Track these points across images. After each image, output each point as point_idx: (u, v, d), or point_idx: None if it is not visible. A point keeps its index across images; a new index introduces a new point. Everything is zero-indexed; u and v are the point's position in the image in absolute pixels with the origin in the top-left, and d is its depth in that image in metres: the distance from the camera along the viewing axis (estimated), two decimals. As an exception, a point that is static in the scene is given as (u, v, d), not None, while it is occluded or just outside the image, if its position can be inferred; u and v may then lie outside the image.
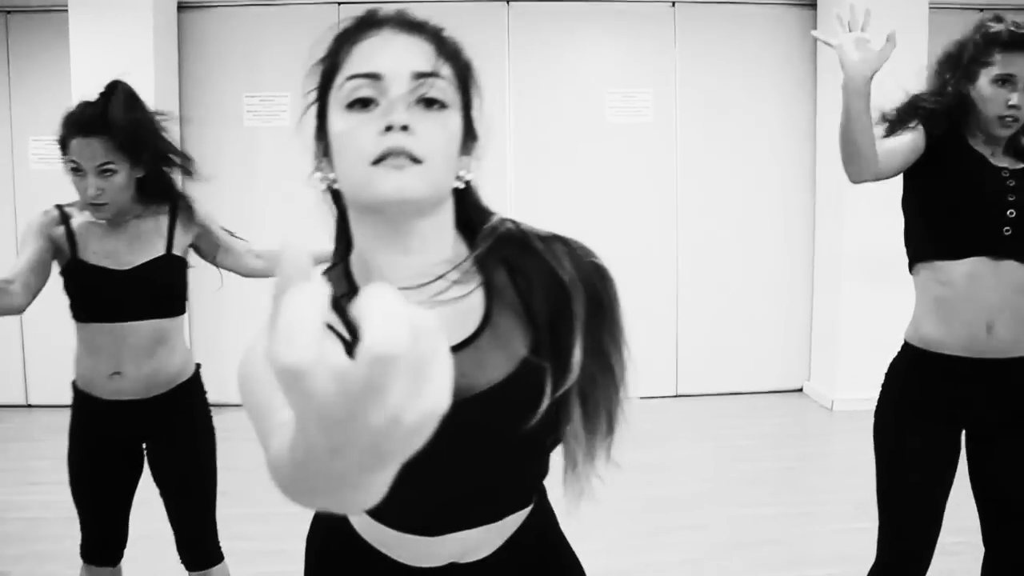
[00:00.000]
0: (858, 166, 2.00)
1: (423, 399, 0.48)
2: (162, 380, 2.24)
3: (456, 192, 1.05)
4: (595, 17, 5.87)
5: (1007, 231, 1.98)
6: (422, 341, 0.47)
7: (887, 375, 2.19)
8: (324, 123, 1.02)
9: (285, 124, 5.74)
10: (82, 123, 2.06)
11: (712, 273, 5.93)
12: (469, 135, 1.05)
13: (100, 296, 2.14)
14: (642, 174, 5.91)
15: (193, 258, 2.38)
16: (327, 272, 1.08)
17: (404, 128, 0.94)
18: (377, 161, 0.94)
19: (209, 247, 2.34)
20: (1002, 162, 2.05)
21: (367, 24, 1.01)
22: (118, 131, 2.05)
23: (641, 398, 5.92)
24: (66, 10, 5.17)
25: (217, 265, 2.41)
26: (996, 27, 2.02)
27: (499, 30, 5.79)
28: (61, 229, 2.14)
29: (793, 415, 5.64)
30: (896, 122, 2.14)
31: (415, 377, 0.48)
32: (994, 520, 2.12)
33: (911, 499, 2.09)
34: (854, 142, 1.96)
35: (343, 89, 0.98)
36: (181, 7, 5.67)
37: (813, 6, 5.86)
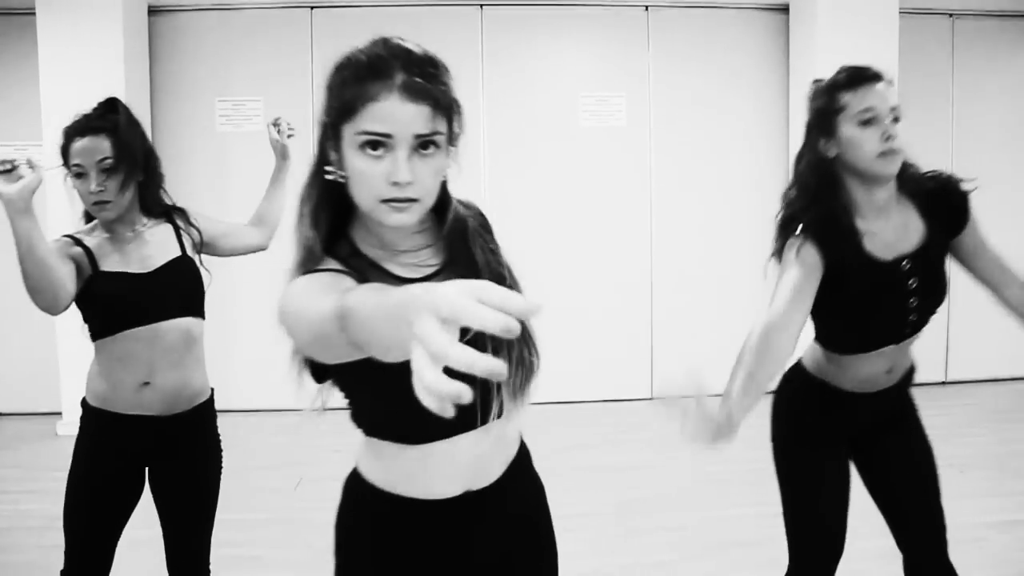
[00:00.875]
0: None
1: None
2: (186, 396, 2.26)
3: None
4: (568, 21, 5.88)
5: (912, 318, 1.98)
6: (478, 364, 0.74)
7: (778, 391, 2.24)
8: (338, 137, 1.27)
9: (257, 129, 5.70)
10: (81, 126, 2.14)
11: (687, 276, 5.95)
12: (451, 143, 1.31)
13: (131, 299, 2.16)
14: (616, 177, 5.92)
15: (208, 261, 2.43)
16: (332, 241, 1.35)
17: (408, 183, 1.23)
18: (385, 200, 1.24)
19: (213, 240, 2.40)
20: (898, 242, 1.95)
21: (381, 73, 1.23)
22: (118, 126, 2.14)
23: (616, 400, 5.94)
24: (34, 13, 5.12)
25: (225, 254, 2.47)
26: (830, 78, 1.94)
27: (472, 34, 5.79)
28: (78, 249, 2.17)
29: (767, 417, 5.67)
30: (781, 244, 2.02)
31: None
32: (899, 521, 2.17)
33: (816, 520, 2.15)
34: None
35: (359, 136, 1.23)
36: (152, 11, 5.62)
37: (785, 10, 5.91)
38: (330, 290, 1.14)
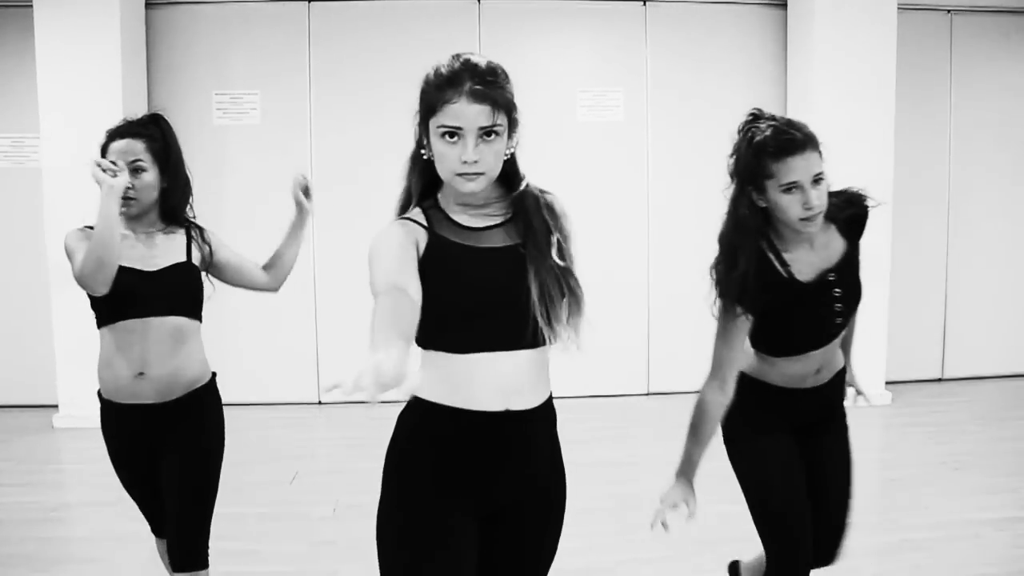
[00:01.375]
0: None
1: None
2: (181, 383, 2.42)
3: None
4: (566, 15, 5.87)
5: (838, 320, 2.21)
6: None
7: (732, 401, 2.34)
8: (427, 128, 1.71)
9: (255, 123, 5.69)
10: (122, 129, 2.43)
11: (683, 271, 5.94)
12: (512, 130, 1.75)
13: (132, 292, 2.35)
14: (613, 173, 5.92)
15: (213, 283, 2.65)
16: (426, 199, 1.82)
17: (474, 161, 1.66)
18: (459, 174, 1.68)
19: (220, 265, 2.59)
20: (821, 261, 2.20)
21: (454, 83, 1.66)
22: (153, 134, 2.46)
23: (612, 396, 5.94)
24: (31, 5, 5.10)
25: (231, 283, 2.65)
26: (759, 135, 2.12)
27: (470, 28, 5.78)
28: None
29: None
30: (724, 295, 2.21)
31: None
32: (815, 512, 2.33)
33: (766, 503, 2.35)
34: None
35: (440, 128, 1.67)
36: (149, 3, 5.60)
37: (783, 6, 5.91)
38: (397, 260, 1.64)
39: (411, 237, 1.72)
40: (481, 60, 1.71)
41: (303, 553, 3.46)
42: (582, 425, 5.32)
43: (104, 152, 2.41)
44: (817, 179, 2.08)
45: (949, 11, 6.06)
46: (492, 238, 1.78)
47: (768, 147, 2.09)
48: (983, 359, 6.41)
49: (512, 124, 1.76)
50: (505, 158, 1.77)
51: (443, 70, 1.71)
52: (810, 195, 2.06)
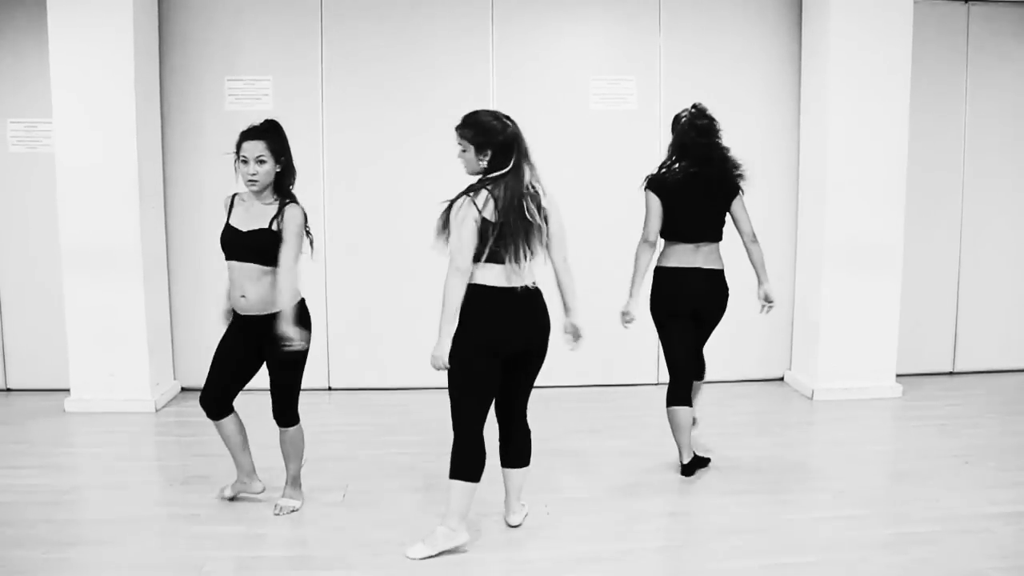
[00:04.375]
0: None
1: None
2: (270, 303, 3.48)
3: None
4: (579, 4, 5.84)
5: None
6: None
7: (652, 283, 4.20)
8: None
9: (267, 109, 5.68)
10: (250, 133, 3.46)
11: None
12: (478, 150, 3.28)
13: (229, 243, 3.51)
14: (626, 162, 5.89)
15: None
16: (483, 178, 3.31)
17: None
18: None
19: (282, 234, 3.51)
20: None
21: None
22: (272, 137, 3.47)
23: (623, 385, 5.94)
24: (45, -9, 5.11)
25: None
26: (685, 113, 4.13)
27: (483, 18, 5.75)
28: (229, 202, 3.57)
29: (774, 404, 5.66)
30: (648, 191, 4.13)
31: None
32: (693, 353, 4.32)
33: (669, 351, 4.20)
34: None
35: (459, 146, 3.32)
36: (162, -11, 5.60)
37: (798, -5, 5.87)
38: (471, 243, 3.13)
39: (475, 210, 3.13)
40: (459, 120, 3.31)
41: (312, 538, 3.48)
42: (592, 414, 5.33)
43: (239, 149, 3.45)
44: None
45: (966, 2, 6.01)
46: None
47: (691, 119, 4.09)
48: (995, 353, 6.38)
49: (476, 145, 3.27)
50: (482, 164, 3.27)
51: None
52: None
